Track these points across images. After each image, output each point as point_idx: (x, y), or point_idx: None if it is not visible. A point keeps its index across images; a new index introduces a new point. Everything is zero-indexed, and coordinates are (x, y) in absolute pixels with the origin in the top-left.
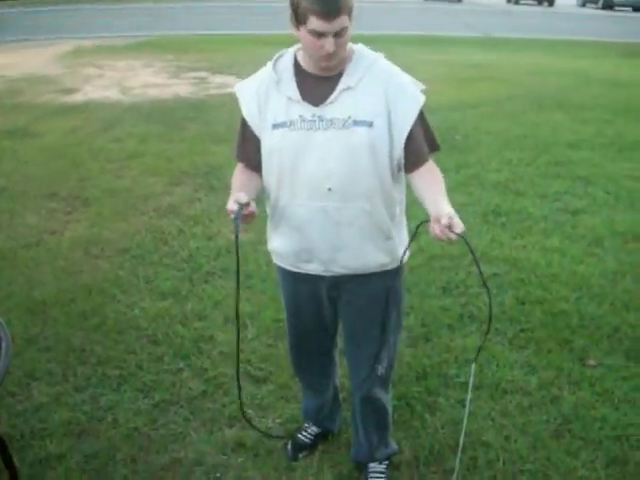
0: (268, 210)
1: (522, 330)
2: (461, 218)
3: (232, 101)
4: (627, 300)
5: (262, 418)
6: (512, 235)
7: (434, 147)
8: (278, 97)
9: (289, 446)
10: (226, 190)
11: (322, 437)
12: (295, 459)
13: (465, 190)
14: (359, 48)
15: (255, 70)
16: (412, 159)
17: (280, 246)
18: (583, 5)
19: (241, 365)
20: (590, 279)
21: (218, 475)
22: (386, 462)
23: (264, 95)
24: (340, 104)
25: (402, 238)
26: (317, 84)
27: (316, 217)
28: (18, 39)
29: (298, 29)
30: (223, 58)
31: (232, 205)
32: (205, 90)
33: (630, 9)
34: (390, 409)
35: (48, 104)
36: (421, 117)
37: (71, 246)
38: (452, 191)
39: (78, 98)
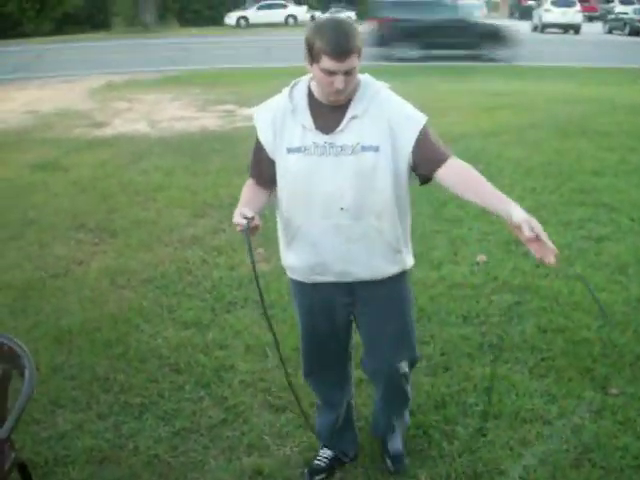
0: (280, 227)
1: (543, 359)
2: (483, 247)
3: None
4: None
5: (280, 446)
6: (534, 263)
7: (445, 158)
8: (293, 124)
9: (306, 472)
10: None
11: (338, 461)
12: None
13: (487, 219)
14: (365, 78)
15: None
16: (430, 164)
17: (295, 261)
18: (609, 32)
19: (260, 394)
20: (613, 307)
21: None
22: (401, 432)
23: (280, 122)
24: (349, 132)
25: (407, 245)
26: (328, 113)
27: (328, 234)
28: (51, 75)
29: (311, 65)
30: (250, 91)
31: (238, 219)
32: (232, 123)
33: None
34: (409, 396)
35: (79, 138)
36: (425, 133)
37: (98, 276)
38: (474, 220)
39: (108, 132)
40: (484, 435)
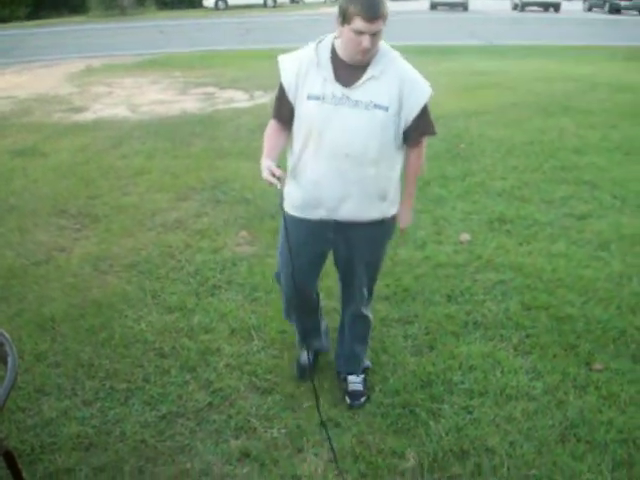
0: (290, 162)
1: (527, 336)
2: (467, 226)
3: (238, 116)
4: (634, 303)
5: (268, 428)
6: (518, 241)
7: (432, 132)
8: (316, 75)
9: (295, 370)
10: (232, 204)
11: (319, 355)
12: (304, 376)
13: (470, 198)
14: (382, 45)
15: (261, 84)
16: (412, 138)
17: (296, 193)
18: (589, 10)
19: (246, 377)
20: (596, 283)
21: None
22: (362, 375)
23: (305, 70)
24: (365, 89)
25: (395, 200)
26: (348, 70)
27: (330, 174)
28: (29, 59)
29: (342, 26)
30: (230, 73)
31: (268, 176)
32: (212, 106)
33: (637, 13)
34: (371, 323)
35: (58, 123)
36: (425, 107)
37: (80, 262)
38: (457, 199)
39: (87, 116)
40: (470, 413)
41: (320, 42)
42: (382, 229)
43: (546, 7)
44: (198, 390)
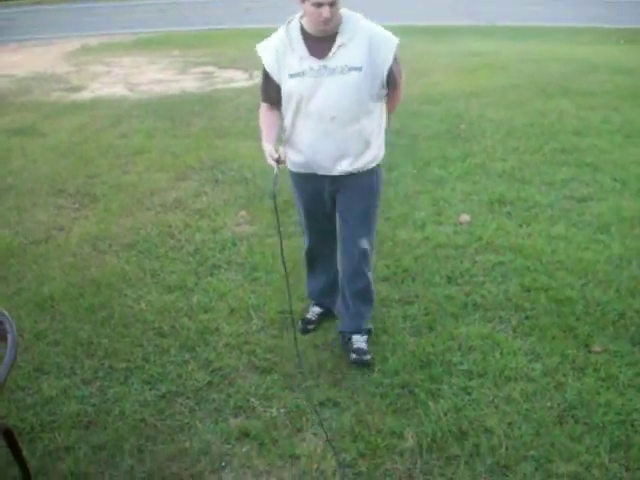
0: (286, 133)
1: (527, 317)
2: (467, 207)
3: (237, 96)
4: (633, 286)
5: (267, 408)
6: (518, 223)
7: (398, 80)
8: (292, 55)
9: (299, 323)
10: (231, 183)
11: (324, 315)
12: (306, 331)
13: (470, 179)
14: (345, 12)
15: (261, 63)
16: (392, 82)
17: (296, 157)
18: None
19: (245, 357)
20: (596, 265)
21: (223, 464)
22: (366, 336)
23: (282, 54)
24: (338, 56)
25: (380, 144)
26: (319, 43)
27: (321, 137)
28: (25, 38)
29: (303, 2)
30: (229, 52)
31: (272, 162)
32: (211, 85)
33: None
34: (373, 288)
35: (56, 102)
36: (395, 59)
37: (79, 242)
38: (458, 180)
39: (85, 95)
40: (469, 393)
41: (289, 23)
42: (369, 177)
43: None
44: (197, 369)
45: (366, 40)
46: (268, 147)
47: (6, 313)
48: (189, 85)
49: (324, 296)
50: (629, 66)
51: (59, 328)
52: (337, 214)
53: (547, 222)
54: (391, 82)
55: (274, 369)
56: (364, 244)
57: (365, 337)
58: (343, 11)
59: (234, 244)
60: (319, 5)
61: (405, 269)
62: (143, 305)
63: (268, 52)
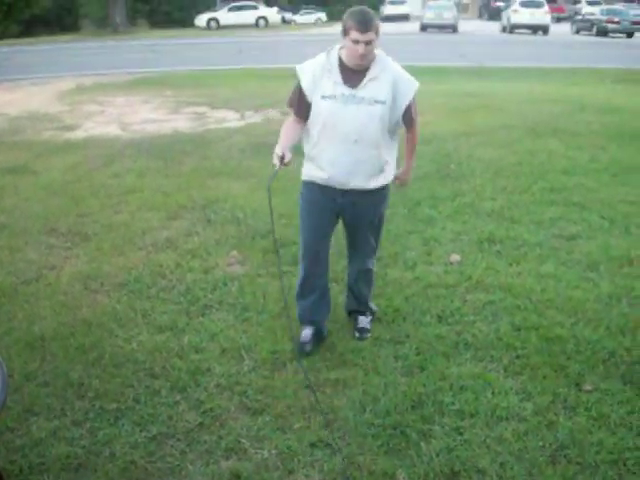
0: (306, 148)
1: (517, 356)
2: (457, 247)
3: (229, 136)
4: (623, 324)
5: (258, 450)
6: (507, 262)
7: (414, 117)
8: (328, 79)
9: (296, 347)
10: (223, 223)
11: (317, 336)
12: (303, 351)
13: (460, 218)
14: (379, 52)
15: (252, 104)
16: (407, 119)
17: (315, 172)
18: (577, 33)
19: (237, 398)
20: (585, 304)
21: None
22: (370, 317)
23: (318, 77)
24: (367, 89)
25: (390, 174)
26: (353, 74)
27: (342, 156)
28: (21, 77)
29: (344, 37)
30: (221, 92)
31: (276, 160)
32: (203, 125)
33: (624, 35)
34: (374, 277)
35: (49, 141)
36: (414, 101)
37: (70, 281)
38: (448, 219)
39: (78, 135)
40: (461, 434)
41: (329, 52)
42: (380, 195)
43: (535, 30)
44: (188, 410)
45: (392, 78)
46: (279, 146)
47: None
48: (181, 125)
49: (314, 313)
50: (617, 105)
51: (49, 368)
52: (346, 222)
53: (536, 261)
54: (407, 119)
55: (265, 410)
56: (372, 243)
57: (370, 318)
58: (378, 51)
59: (225, 284)
60: (356, 42)
61: (396, 309)
62: (134, 345)
63: (306, 74)
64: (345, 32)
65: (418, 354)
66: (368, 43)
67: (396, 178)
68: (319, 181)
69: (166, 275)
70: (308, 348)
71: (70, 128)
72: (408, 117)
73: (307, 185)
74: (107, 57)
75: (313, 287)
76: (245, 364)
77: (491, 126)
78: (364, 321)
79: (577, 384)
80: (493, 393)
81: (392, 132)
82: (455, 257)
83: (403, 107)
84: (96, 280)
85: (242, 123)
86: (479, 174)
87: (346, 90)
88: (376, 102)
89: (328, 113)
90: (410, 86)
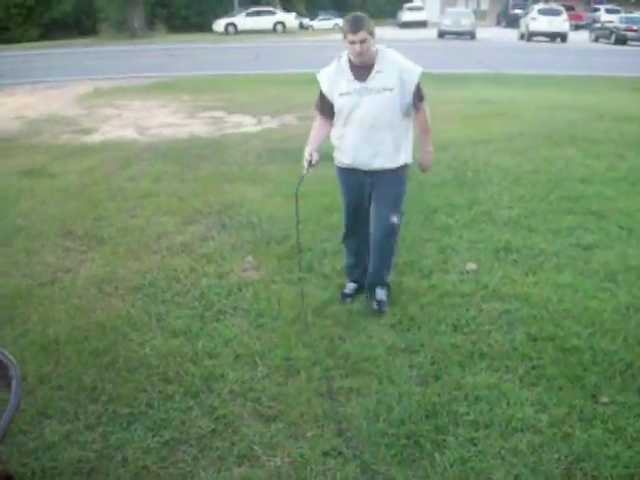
0: (333, 139)
1: (533, 367)
2: (473, 255)
3: (246, 140)
4: None
5: (271, 457)
6: (524, 271)
7: (423, 98)
8: (342, 79)
9: (340, 297)
10: (238, 228)
11: (358, 290)
12: (344, 301)
13: (476, 227)
14: (380, 47)
15: (269, 109)
16: (415, 104)
17: (343, 158)
18: (596, 40)
19: (250, 404)
20: (603, 314)
21: None
22: (386, 289)
23: (333, 80)
24: (375, 80)
25: (407, 151)
26: (361, 70)
27: (362, 141)
28: (40, 80)
29: (344, 40)
30: (238, 97)
31: (305, 162)
32: (220, 130)
33: None
34: (395, 247)
35: (66, 144)
36: (419, 83)
37: (85, 284)
38: (464, 228)
39: (96, 138)
40: (475, 445)
41: (339, 58)
42: (399, 172)
43: (553, 37)
44: (201, 416)
45: (397, 68)
46: (307, 149)
47: (12, 359)
48: (198, 129)
49: (357, 270)
50: (634, 114)
51: (63, 372)
52: (373, 200)
53: (553, 270)
54: (415, 102)
55: (279, 417)
56: (394, 219)
57: (385, 291)
58: (379, 47)
59: (240, 290)
60: (353, 43)
61: (411, 317)
62: (148, 350)
63: (324, 79)
64: (344, 37)
65: (433, 363)
66: (362, 42)
67: (419, 166)
68: (346, 165)
69: (181, 279)
70: (348, 300)
71: (87, 131)
72: (417, 99)
73: (338, 169)
74: (125, 61)
75: (350, 250)
76: (259, 370)
77: (508, 133)
78: (381, 292)
79: (593, 396)
80: (508, 404)
81: (405, 114)
82: (471, 266)
83: (411, 92)
84: (111, 284)
85: (259, 128)
86: (496, 182)
87: (358, 85)
88: (384, 90)
89: (346, 107)
90: (414, 72)
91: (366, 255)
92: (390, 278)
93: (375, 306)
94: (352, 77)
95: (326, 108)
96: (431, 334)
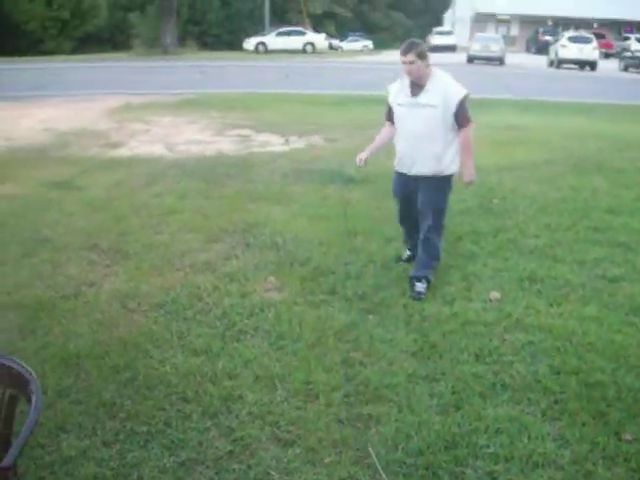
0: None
1: (556, 401)
2: (497, 284)
3: (273, 160)
4: None
5: None
6: (548, 302)
7: (469, 122)
8: (402, 93)
9: (397, 261)
10: (262, 248)
11: (411, 259)
12: (398, 262)
13: (501, 255)
14: (435, 69)
15: (297, 129)
16: (457, 122)
17: (396, 159)
18: (625, 69)
19: (268, 427)
20: (628, 349)
21: None
22: (426, 284)
23: (395, 93)
24: (423, 96)
25: (449, 163)
26: (417, 87)
27: (407, 147)
28: (70, 93)
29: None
30: (266, 116)
31: (357, 159)
32: (247, 148)
33: None
34: (438, 247)
35: (95, 157)
36: (461, 105)
37: (108, 299)
38: (489, 256)
39: (124, 153)
40: (495, 479)
41: (403, 77)
42: (440, 181)
43: (582, 65)
44: (219, 437)
45: (443, 88)
46: (361, 154)
47: (33, 374)
48: (226, 147)
49: (411, 241)
50: None
51: (83, 386)
52: (418, 201)
53: (578, 302)
54: (458, 121)
55: (296, 442)
56: (430, 221)
57: (425, 284)
58: (434, 68)
59: (262, 310)
60: (403, 63)
61: (433, 345)
62: (168, 368)
63: (390, 92)
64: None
65: (454, 393)
66: (410, 63)
67: (461, 180)
68: (396, 168)
69: (203, 298)
70: (402, 262)
71: (116, 145)
72: (459, 119)
73: (396, 174)
74: (156, 77)
75: (404, 230)
76: (278, 393)
77: (535, 161)
78: (420, 285)
79: (617, 433)
80: (529, 438)
81: (449, 129)
82: (495, 294)
83: (452, 109)
84: (134, 299)
85: (286, 148)
86: (522, 210)
87: (411, 99)
88: (429, 106)
89: (399, 116)
90: (456, 94)
91: (416, 238)
92: (430, 276)
93: (415, 295)
94: (409, 92)
95: (390, 115)
96: (453, 363)
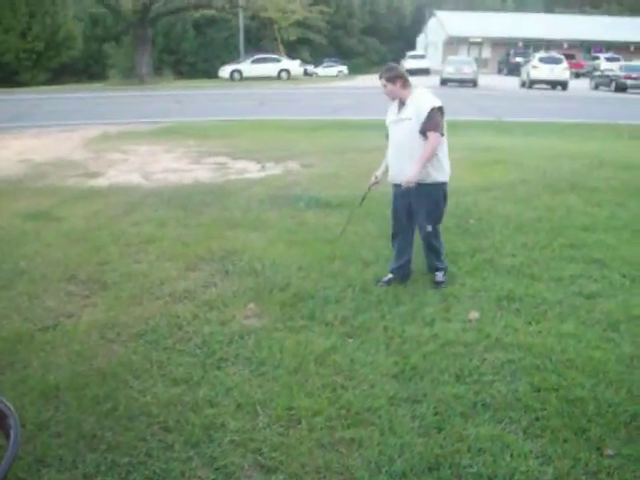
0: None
1: (537, 418)
2: (475, 304)
3: (250, 187)
4: None
5: None
6: (527, 320)
7: (435, 129)
8: (391, 112)
9: (377, 283)
10: (240, 275)
11: (393, 281)
12: (378, 284)
13: (479, 275)
14: (414, 89)
15: (273, 155)
16: (422, 131)
17: (389, 174)
18: (596, 88)
19: (251, 454)
20: (607, 365)
21: None
22: (443, 271)
23: (390, 111)
24: (404, 112)
25: (431, 171)
26: (401, 105)
27: (393, 158)
28: (46, 124)
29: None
30: (243, 143)
31: (370, 182)
32: (224, 176)
33: None
34: (439, 248)
35: (72, 188)
36: (431, 113)
37: (87, 329)
38: (467, 276)
39: (101, 182)
40: None
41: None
42: (429, 188)
43: (554, 85)
44: (201, 467)
45: (417, 102)
46: (375, 172)
47: (12, 407)
48: (202, 175)
49: (402, 274)
50: (634, 162)
51: (63, 419)
52: (412, 210)
53: (556, 319)
54: (425, 126)
55: (279, 468)
56: (428, 228)
57: (442, 272)
58: (415, 88)
59: (242, 337)
60: (383, 86)
61: (413, 366)
62: (149, 397)
63: (388, 112)
64: None
65: (435, 414)
66: (384, 86)
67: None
68: (388, 179)
69: (183, 326)
70: (383, 283)
71: (94, 175)
72: (425, 123)
73: (392, 185)
74: (132, 106)
75: (395, 248)
76: (260, 420)
77: (510, 181)
78: (438, 276)
79: (598, 448)
80: (512, 456)
81: (423, 140)
82: (474, 314)
83: (421, 121)
84: (113, 329)
85: (262, 174)
86: (498, 230)
87: (396, 116)
88: (407, 119)
89: (390, 132)
90: (425, 106)
91: (409, 254)
92: (443, 265)
93: (435, 285)
94: (396, 110)
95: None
96: (434, 384)
